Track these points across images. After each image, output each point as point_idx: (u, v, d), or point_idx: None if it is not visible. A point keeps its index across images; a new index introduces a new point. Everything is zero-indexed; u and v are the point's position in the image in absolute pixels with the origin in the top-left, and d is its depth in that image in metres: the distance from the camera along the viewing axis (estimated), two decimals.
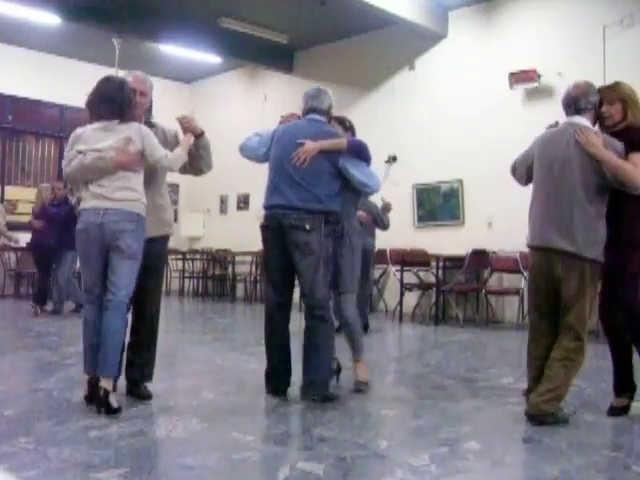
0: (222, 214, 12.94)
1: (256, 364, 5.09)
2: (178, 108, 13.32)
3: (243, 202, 12.37)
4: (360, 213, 6.68)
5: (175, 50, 10.75)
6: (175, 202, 13.71)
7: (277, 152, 4.03)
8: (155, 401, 3.82)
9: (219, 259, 12.20)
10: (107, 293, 3.54)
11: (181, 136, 3.90)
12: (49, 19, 9.25)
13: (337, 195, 4.00)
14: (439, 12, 9.40)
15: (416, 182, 9.58)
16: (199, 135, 3.88)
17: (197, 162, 3.93)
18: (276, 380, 4.01)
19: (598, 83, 8.00)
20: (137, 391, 3.86)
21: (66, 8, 9.11)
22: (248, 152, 4.22)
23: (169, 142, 3.86)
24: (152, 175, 3.76)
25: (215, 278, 12.21)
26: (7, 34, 10.58)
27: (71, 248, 6.52)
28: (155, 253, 3.83)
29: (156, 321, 4.05)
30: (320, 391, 3.87)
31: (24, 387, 4.02)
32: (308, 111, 4.10)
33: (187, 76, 13.26)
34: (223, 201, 12.87)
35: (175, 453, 2.88)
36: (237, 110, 12.41)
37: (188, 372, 4.92)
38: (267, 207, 4.01)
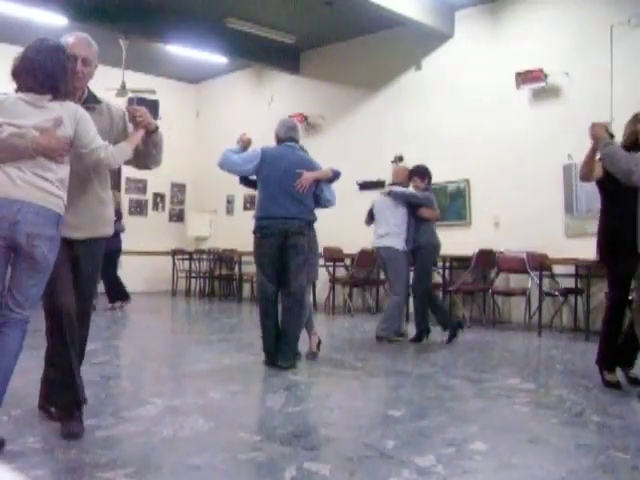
0: (229, 214, 12.95)
1: (262, 364, 5.10)
2: (184, 108, 13.45)
3: (250, 202, 12.36)
4: (434, 211, 6.85)
5: (181, 50, 10.76)
6: (182, 202, 13.78)
7: (274, 172, 5.07)
8: (162, 401, 3.83)
9: (226, 259, 12.22)
10: (6, 309, 2.88)
11: (130, 125, 3.30)
12: (56, 20, 9.27)
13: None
14: (445, 12, 9.39)
15: None
16: (153, 131, 3.29)
17: (145, 159, 3.37)
18: (269, 347, 5.06)
19: (605, 83, 8.02)
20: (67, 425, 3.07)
21: (73, 9, 9.13)
22: (233, 167, 5.19)
23: (115, 125, 3.25)
24: None
25: (222, 278, 12.22)
26: (13, 34, 10.58)
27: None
28: (93, 258, 3.21)
29: (85, 341, 3.34)
30: (288, 359, 4.94)
31: (31, 387, 4.02)
32: (287, 139, 5.27)
33: (193, 76, 13.28)
34: (230, 201, 12.88)
35: (182, 453, 2.89)
36: (243, 111, 12.41)
37: (194, 372, 4.93)
38: (268, 217, 5.03)
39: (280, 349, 5.00)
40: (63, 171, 2.90)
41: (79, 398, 3.12)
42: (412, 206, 6.68)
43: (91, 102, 3.19)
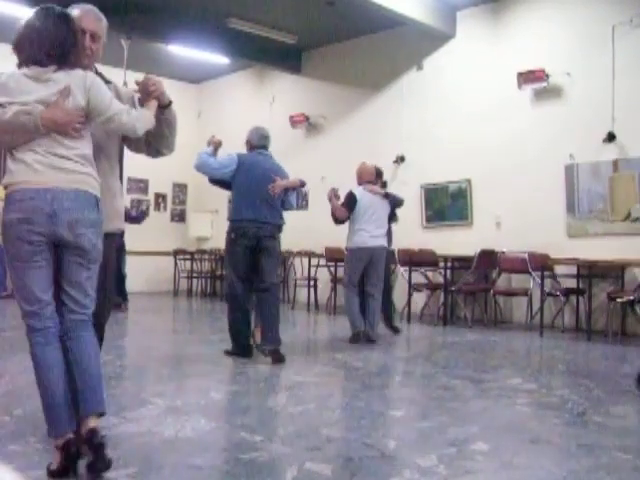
0: None
1: (264, 365, 5.11)
2: (185, 109, 13.43)
3: None
4: None
5: (183, 51, 10.77)
6: (183, 202, 13.79)
7: (250, 178, 5.36)
8: (163, 401, 3.83)
9: None
10: (68, 312, 2.60)
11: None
12: None
13: None
14: (447, 12, 9.39)
15: (424, 182, 9.56)
16: (166, 105, 2.94)
17: (157, 141, 3.00)
18: (246, 340, 5.46)
19: (607, 83, 8.01)
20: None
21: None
22: (209, 170, 5.44)
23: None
24: (105, 147, 2.82)
25: (223, 278, 12.22)
26: (13, 34, 10.61)
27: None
28: (109, 256, 2.85)
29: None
30: (275, 345, 5.22)
31: (33, 387, 4.03)
32: (261, 147, 5.57)
33: (195, 77, 13.29)
34: (231, 201, 12.84)
35: (183, 453, 2.89)
36: (245, 111, 12.42)
37: (196, 372, 4.93)
38: (243, 220, 5.32)
39: (266, 335, 5.29)
40: (84, 146, 2.59)
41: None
42: (392, 210, 6.91)
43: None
